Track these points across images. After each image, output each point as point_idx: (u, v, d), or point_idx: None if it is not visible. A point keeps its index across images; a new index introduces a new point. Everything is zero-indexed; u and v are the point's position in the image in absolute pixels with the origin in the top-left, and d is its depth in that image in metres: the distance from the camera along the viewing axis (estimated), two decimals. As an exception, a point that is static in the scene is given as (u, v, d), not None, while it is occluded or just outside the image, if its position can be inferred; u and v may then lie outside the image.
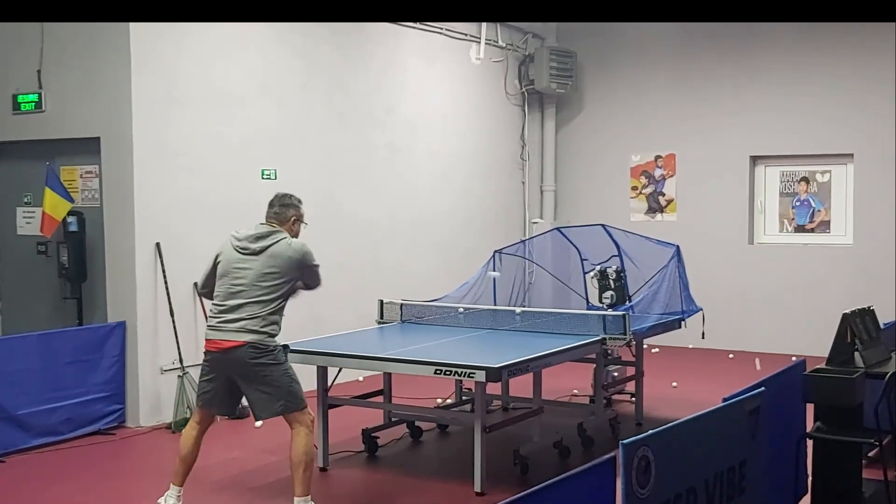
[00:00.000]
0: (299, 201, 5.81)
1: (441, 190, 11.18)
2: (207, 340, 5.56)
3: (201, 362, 5.71)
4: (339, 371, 6.69)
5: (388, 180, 10.42)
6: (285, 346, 5.59)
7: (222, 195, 8.48)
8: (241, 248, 5.58)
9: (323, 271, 5.80)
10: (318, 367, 6.62)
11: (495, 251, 8.51)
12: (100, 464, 6.97)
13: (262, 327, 5.45)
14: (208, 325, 5.59)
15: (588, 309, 8.19)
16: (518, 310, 7.83)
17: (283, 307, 5.58)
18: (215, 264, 5.68)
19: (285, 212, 5.71)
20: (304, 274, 5.65)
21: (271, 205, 5.74)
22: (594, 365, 7.51)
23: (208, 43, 8.41)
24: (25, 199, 8.68)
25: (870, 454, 5.77)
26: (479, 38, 11.55)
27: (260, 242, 5.57)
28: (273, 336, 5.51)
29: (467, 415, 7.37)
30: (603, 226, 8.35)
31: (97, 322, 8.08)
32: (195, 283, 8.09)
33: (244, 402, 5.74)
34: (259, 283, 5.48)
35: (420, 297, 8.31)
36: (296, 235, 5.74)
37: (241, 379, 5.50)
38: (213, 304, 5.61)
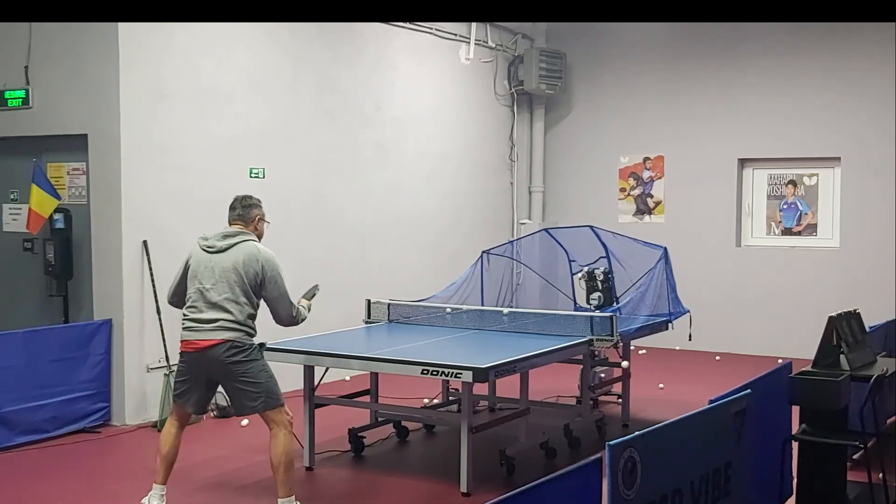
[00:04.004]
0: (259, 201, 5.80)
1: (429, 190, 11.17)
2: (183, 341, 5.55)
3: (177, 362, 5.70)
4: (326, 370, 6.68)
5: (377, 179, 10.40)
6: (261, 345, 5.60)
7: (210, 193, 8.43)
8: (208, 248, 5.58)
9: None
10: (304, 366, 6.61)
11: (483, 251, 8.51)
12: (85, 462, 6.94)
13: (238, 325, 5.43)
14: (184, 327, 5.57)
15: (575, 310, 8.20)
16: (505, 310, 7.83)
17: (254, 306, 5.55)
18: (185, 270, 5.67)
19: (249, 212, 5.69)
20: (266, 285, 5.51)
21: (233, 208, 5.72)
22: (581, 366, 7.52)
23: (197, 39, 8.38)
24: (12, 196, 8.64)
25: (854, 456, 5.79)
26: (469, 39, 11.55)
27: (227, 241, 5.57)
28: (250, 335, 5.50)
29: (454, 415, 7.37)
30: (591, 227, 8.37)
31: (83, 320, 8.05)
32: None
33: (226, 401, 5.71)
34: (225, 279, 5.47)
35: (407, 297, 8.30)
36: (261, 234, 5.74)
37: (221, 377, 5.51)
38: (187, 307, 5.58)
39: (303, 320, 5.73)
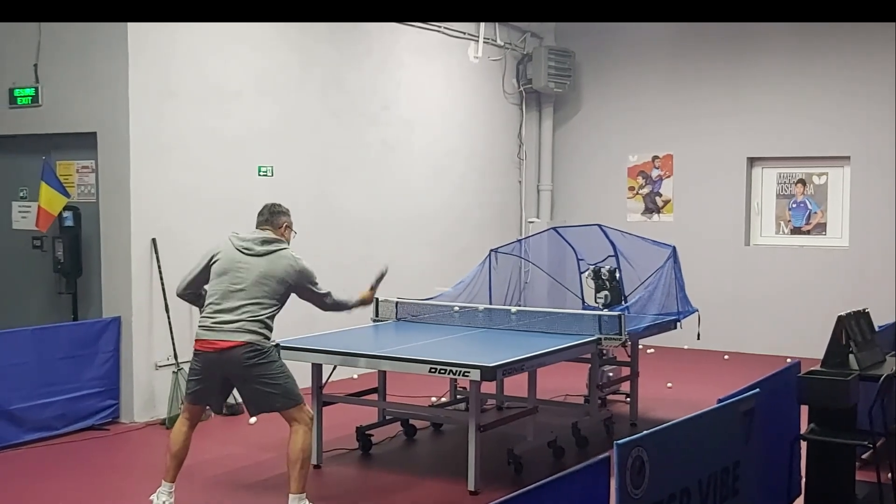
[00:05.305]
0: (287, 210, 5.89)
1: (436, 188, 11.16)
2: (199, 340, 5.51)
3: (191, 360, 5.70)
4: (334, 369, 6.69)
5: (384, 178, 10.40)
6: (277, 345, 5.61)
7: (218, 191, 8.46)
8: (245, 249, 5.59)
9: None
10: (312, 364, 6.61)
11: (491, 250, 8.50)
12: (93, 459, 6.95)
13: (259, 328, 5.45)
14: (201, 325, 5.54)
15: (584, 309, 8.19)
16: (513, 309, 7.83)
17: (278, 310, 5.60)
18: (208, 265, 5.66)
19: (276, 219, 5.77)
20: (301, 291, 5.71)
21: (261, 213, 5.80)
22: (589, 365, 7.51)
23: (205, 38, 8.39)
24: (21, 194, 8.67)
25: (863, 456, 5.77)
26: (478, 37, 11.54)
27: (266, 246, 5.62)
28: (269, 338, 5.52)
29: (462, 413, 7.37)
30: (599, 226, 8.35)
31: (92, 317, 8.07)
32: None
33: (238, 398, 5.72)
34: (260, 284, 5.50)
35: (415, 296, 8.29)
36: (287, 243, 5.78)
37: (237, 379, 5.50)
38: (210, 303, 5.56)
39: (351, 306, 6.13)
